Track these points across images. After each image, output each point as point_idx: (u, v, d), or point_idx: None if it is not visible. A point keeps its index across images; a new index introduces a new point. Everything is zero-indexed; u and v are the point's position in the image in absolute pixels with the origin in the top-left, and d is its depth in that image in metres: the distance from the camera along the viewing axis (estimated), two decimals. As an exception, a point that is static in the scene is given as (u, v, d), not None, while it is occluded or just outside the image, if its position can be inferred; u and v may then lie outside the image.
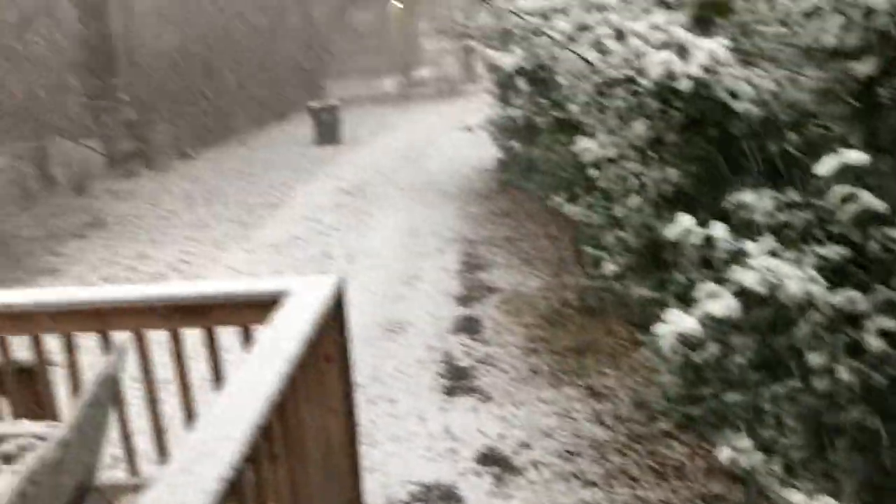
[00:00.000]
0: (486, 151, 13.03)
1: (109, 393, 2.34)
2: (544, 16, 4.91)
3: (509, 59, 6.46)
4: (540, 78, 5.98)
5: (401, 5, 29.43)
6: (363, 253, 9.63)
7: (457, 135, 14.21)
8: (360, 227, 10.99)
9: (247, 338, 2.96)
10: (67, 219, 11.83)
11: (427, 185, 13.51)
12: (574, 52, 3.20)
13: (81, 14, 15.26)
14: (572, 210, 4.70)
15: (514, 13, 4.78)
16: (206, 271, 9.26)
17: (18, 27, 13.48)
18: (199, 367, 3.10)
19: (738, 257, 2.44)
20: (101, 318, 3.01)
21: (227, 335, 3.03)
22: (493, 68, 9.14)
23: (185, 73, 18.40)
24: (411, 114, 23.83)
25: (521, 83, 6.61)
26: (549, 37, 3.35)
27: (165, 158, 16.53)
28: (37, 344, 3.10)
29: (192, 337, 3.05)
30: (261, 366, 2.28)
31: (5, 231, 10.36)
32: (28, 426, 2.64)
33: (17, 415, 3.25)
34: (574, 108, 4.35)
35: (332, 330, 2.93)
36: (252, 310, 2.90)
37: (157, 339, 3.05)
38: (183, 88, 18.18)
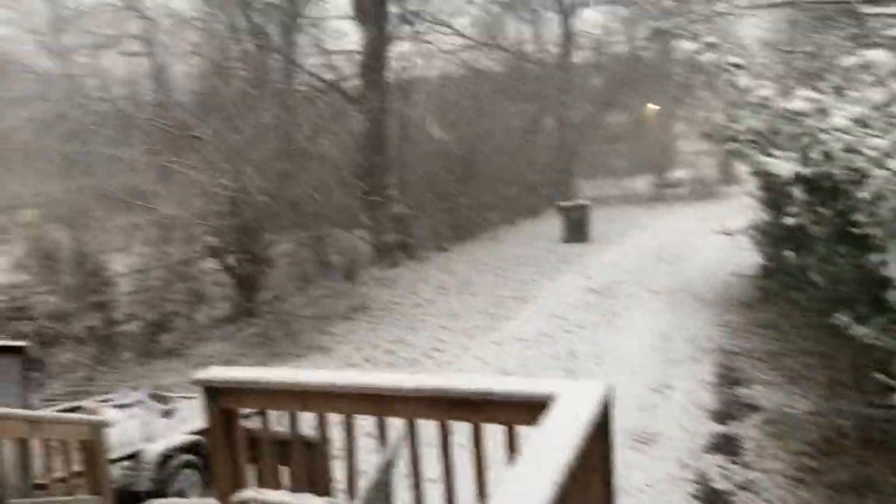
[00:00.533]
0: (747, 257, 12.32)
1: (389, 479, 2.46)
2: (822, 111, 4.61)
3: (784, 165, 6.12)
4: (821, 186, 5.59)
5: (657, 107, 29.37)
6: (610, 354, 9.42)
7: (713, 238, 13.60)
8: (608, 328, 10.80)
9: (510, 437, 2.98)
10: (338, 302, 12.93)
11: (680, 288, 13.03)
12: (888, 169, 2.96)
13: (365, 119, 17.03)
14: (860, 331, 4.24)
15: (788, 115, 4.56)
16: (456, 360, 9.59)
17: (313, 130, 15.31)
18: (462, 459, 3.17)
19: None
20: (379, 403, 3.20)
21: (490, 432, 3.07)
22: (758, 172, 8.70)
23: (447, 171, 19.70)
24: (663, 215, 23.37)
25: (797, 190, 6.20)
26: (853, 150, 3.14)
27: (424, 250, 17.63)
28: (321, 422, 3.36)
29: (459, 430, 3.13)
30: (533, 472, 2.27)
31: (287, 310, 11.55)
32: (311, 500, 2.85)
33: (296, 485, 3.53)
34: (866, 220, 3.99)
35: (598, 440, 2.86)
36: (518, 410, 2.93)
37: (427, 429, 3.17)
38: (445, 186, 19.44)
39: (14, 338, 9.14)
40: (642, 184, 29.12)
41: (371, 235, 17.06)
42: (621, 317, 11.37)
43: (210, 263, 12.58)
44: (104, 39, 34.53)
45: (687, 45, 5.58)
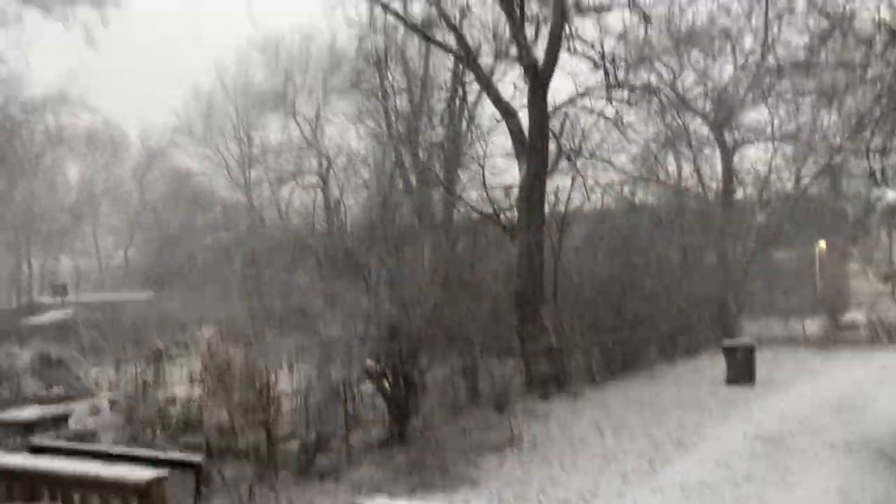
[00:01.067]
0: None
1: None
2: None
3: None
4: None
5: (828, 245, 27.92)
6: (784, 514, 8.61)
7: (899, 389, 12.45)
8: (779, 483, 9.91)
9: None
10: (488, 433, 12.77)
11: (861, 442, 11.85)
12: None
13: (522, 251, 17.34)
14: None
15: None
16: (612, 506, 9.10)
17: (471, 261, 15.74)
18: None
19: None
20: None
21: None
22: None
23: (603, 305, 19.47)
24: (838, 360, 21.68)
25: None
26: None
27: (577, 383, 17.23)
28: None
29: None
30: None
31: (438, 438, 11.51)
32: None
33: None
34: None
35: None
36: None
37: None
38: (600, 319, 19.16)
39: (184, 449, 9.69)
40: (813, 325, 27.31)
41: (524, 366, 16.94)
42: (793, 472, 10.43)
43: (367, 387, 12.89)
44: (285, 174, 37.96)
45: (890, 195, 5.34)
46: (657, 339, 21.82)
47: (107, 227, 55.02)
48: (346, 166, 30.27)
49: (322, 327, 12.84)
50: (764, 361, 18.55)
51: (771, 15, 19.26)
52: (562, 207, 20.06)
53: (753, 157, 28.11)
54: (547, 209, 19.21)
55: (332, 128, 36.96)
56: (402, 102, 28.00)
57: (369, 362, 12.83)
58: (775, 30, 22.24)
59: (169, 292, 39.10)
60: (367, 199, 26.24)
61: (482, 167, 21.38)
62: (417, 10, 21.91)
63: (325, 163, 36.72)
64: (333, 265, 16.09)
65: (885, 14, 14.35)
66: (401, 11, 20.18)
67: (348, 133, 33.08)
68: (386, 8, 19.48)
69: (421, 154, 24.52)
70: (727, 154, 27.56)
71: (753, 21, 18.42)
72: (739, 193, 28.19)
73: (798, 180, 27.06)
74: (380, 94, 27.99)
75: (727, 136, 27.27)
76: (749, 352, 18.30)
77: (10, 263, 47.76)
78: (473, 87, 24.55)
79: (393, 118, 27.77)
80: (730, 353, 18.38)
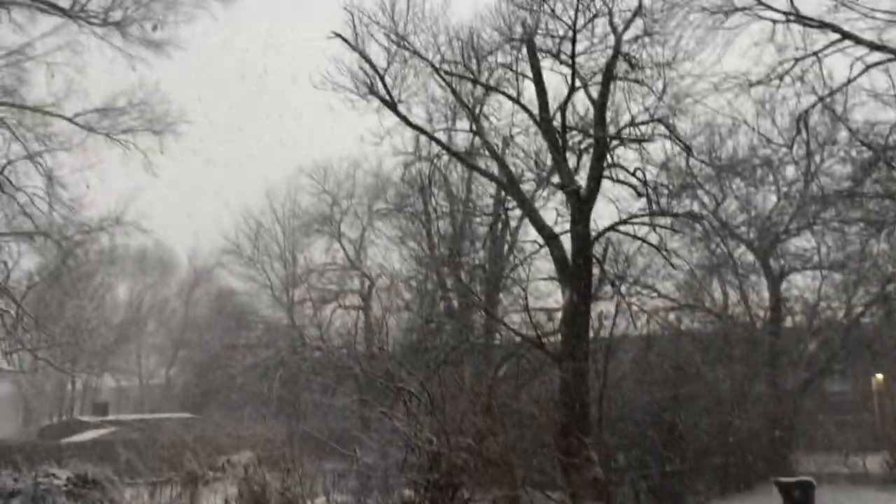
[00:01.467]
0: None
1: None
2: None
3: None
4: None
5: (885, 377, 26.85)
6: None
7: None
8: None
9: None
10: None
11: None
12: None
13: (565, 379, 16.94)
14: None
15: None
16: None
17: (514, 387, 15.42)
18: None
19: None
20: None
21: None
22: None
23: (649, 435, 18.73)
24: (904, 501, 20.34)
25: None
26: None
27: (624, 520, 16.36)
28: None
29: None
30: None
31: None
32: None
33: None
34: None
35: None
36: None
37: None
38: (646, 450, 18.40)
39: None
40: (874, 462, 25.83)
41: (568, 498, 16.17)
42: None
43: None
44: (328, 294, 38.39)
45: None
46: (708, 471, 20.79)
47: (151, 346, 55.78)
48: (388, 287, 30.51)
49: (360, 453, 12.55)
50: (823, 499, 17.45)
51: (813, 145, 19.48)
52: (606, 333, 19.73)
53: (801, 284, 27.62)
54: (591, 334, 18.90)
55: (376, 249, 37.66)
56: (444, 226, 28.53)
57: (407, 492, 12.41)
58: (818, 159, 22.45)
59: (208, 413, 38.96)
60: (408, 321, 26.24)
61: (525, 290, 21.32)
62: (462, 138, 22.68)
63: (367, 284, 37.15)
64: (373, 388, 15.91)
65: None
66: (445, 140, 20.87)
67: (391, 255, 33.64)
68: (431, 137, 20.14)
69: (463, 276, 24.64)
70: (774, 281, 27.12)
71: (795, 150, 18.56)
72: (788, 322, 27.52)
73: (849, 309, 26.39)
74: (423, 218, 28.58)
75: (773, 264, 26.94)
76: (808, 489, 17.27)
77: (54, 381, 48.35)
78: (516, 212, 24.94)
79: (436, 241, 28.20)
80: (786, 490, 17.36)
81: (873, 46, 15.87)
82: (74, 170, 24.61)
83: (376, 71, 18.10)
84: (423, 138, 21.12)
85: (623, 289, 20.56)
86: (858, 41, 16.01)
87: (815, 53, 16.52)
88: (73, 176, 24.15)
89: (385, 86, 18.21)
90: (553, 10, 17.53)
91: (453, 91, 19.26)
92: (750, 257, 26.97)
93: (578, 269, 17.81)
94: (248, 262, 46.87)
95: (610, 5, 17.40)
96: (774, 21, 16.74)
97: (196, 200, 64.53)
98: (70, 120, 23.00)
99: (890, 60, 15.91)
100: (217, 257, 50.93)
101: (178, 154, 39.26)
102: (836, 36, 16.23)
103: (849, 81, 16.31)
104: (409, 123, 18.98)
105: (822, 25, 16.31)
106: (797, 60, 16.69)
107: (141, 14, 22.72)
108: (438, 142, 20.30)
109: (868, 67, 16.03)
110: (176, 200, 59.92)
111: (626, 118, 18.35)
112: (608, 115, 18.18)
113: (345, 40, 17.84)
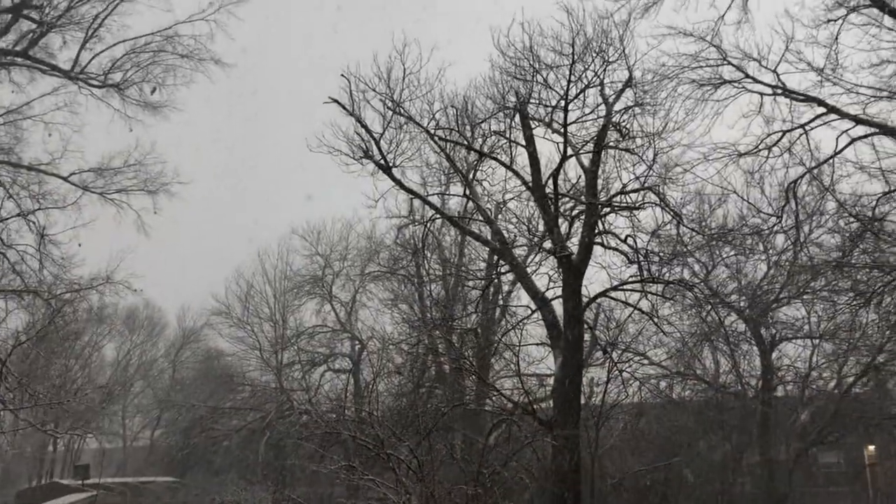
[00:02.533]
0: None
1: None
2: None
3: None
4: None
5: (876, 448, 26.60)
6: None
7: None
8: None
9: None
10: None
11: None
12: None
13: (558, 445, 16.71)
14: None
15: None
16: None
17: (507, 454, 15.17)
18: None
19: None
20: None
21: None
22: None
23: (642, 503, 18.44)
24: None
25: None
26: None
27: None
28: None
29: None
30: None
31: None
32: None
33: None
34: None
35: None
36: None
37: None
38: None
39: None
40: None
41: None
42: None
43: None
44: (318, 357, 38.02)
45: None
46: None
47: (136, 407, 54.86)
48: (378, 351, 30.28)
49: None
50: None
51: (801, 215, 19.69)
52: (598, 400, 19.56)
53: (792, 353, 27.52)
54: (583, 401, 18.72)
55: (367, 312, 37.45)
56: (437, 289, 28.51)
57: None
58: (806, 229, 22.68)
59: (192, 477, 38.06)
60: (398, 386, 25.98)
61: (517, 355, 21.19)
62: (455, 202, 22.88)
63: (357, 347, 36.85)
64: (362, 454, 15.64)
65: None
66: (439, 204, 21.02)
67: (383, 318, 33.46)
68: (425, 201, 20.30)
69: (455, 341, 24.50)
70: (765, 350, 27.07)
71: (784, 220, 18.77)
72: (780, 391, 27.35)
73: (840, 379, 26.28)
74: (416, 281, 28.58)
75: (764, 332, 26.92)
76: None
77: (35, 442, 47.32)
78: (508, 277, 24.98)
79: (428, 304, 28.13)
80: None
81: (858, 120, 16.24)
82: (67, 227, 24.61)
83: (371, 136, 18.34)
84: (416, 202, 21.28)
85: (615, 355, 20.47)
86: (843, 115, 16.39)
87: (802, 126, 16.88)
88: (65, 234, 24.10)
89: (380, 150, 18.44)
90: (546, 81, 17.89)
91: (447, 156, 19.51)
92: (741, 326, 26.97)
93: (570, 336, 17.77)
94: (237, 322, 46.46)
95: (601, 77, 17.79)
96: (762, 94, 17.16)
97: (187, 260, 64.53)
98: (65, 179, 23.12)
99: (874, 134, 16.25)
100: (206, 317, 50.52)
101: (171, 212, 39.32)
102: (822, 109, 16.61)
103: (835, 154, 16.62)
104: (403, 187, 19.15)
105: (808, 99, 16.71)
106: (784, 132, 17.04)
107: (140, 76, 23.14)
108: (432, 206, 20.47)
109: (853, 140, 16.36)
110: (167, 259, 59.84)
111: (617, 186, 18.60)
112: (599, 182, 18.42)
113: (342, 106, 18.11)
